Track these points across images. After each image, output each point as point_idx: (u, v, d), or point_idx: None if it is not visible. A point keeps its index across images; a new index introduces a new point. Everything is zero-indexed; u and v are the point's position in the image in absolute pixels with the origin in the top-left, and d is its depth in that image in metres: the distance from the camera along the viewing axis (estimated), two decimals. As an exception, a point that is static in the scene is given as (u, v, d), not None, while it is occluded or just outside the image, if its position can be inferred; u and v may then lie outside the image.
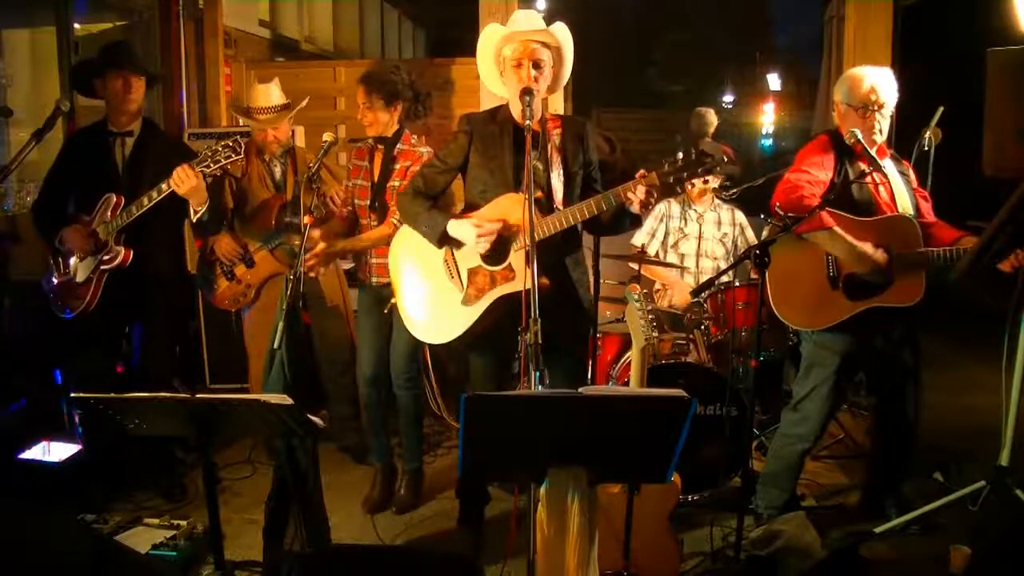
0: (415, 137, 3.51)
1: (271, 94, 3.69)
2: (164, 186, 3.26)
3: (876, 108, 3.05)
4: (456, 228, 2.79)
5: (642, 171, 2.60)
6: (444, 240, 2.82)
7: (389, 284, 3.29)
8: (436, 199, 2.95)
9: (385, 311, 3.38)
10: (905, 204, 3.11)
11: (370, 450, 3.71)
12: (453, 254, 2.88)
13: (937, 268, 2.98)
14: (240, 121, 5.12)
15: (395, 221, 3.29)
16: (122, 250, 3.42)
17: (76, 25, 4.96)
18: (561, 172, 2.83)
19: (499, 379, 3.01)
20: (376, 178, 3.47)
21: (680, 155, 2.55)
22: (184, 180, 3.20)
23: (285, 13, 7.54)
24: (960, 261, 2.92)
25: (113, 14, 5.51)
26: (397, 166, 3.41)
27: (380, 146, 3.48)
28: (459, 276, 2.87)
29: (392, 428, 3.69)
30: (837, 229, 2.97)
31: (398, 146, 3.45)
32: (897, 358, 3.21)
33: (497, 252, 2.80)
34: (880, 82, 3.06)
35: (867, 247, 2.96)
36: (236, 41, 5.73)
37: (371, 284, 3.49)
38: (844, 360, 3.11)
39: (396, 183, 3.38)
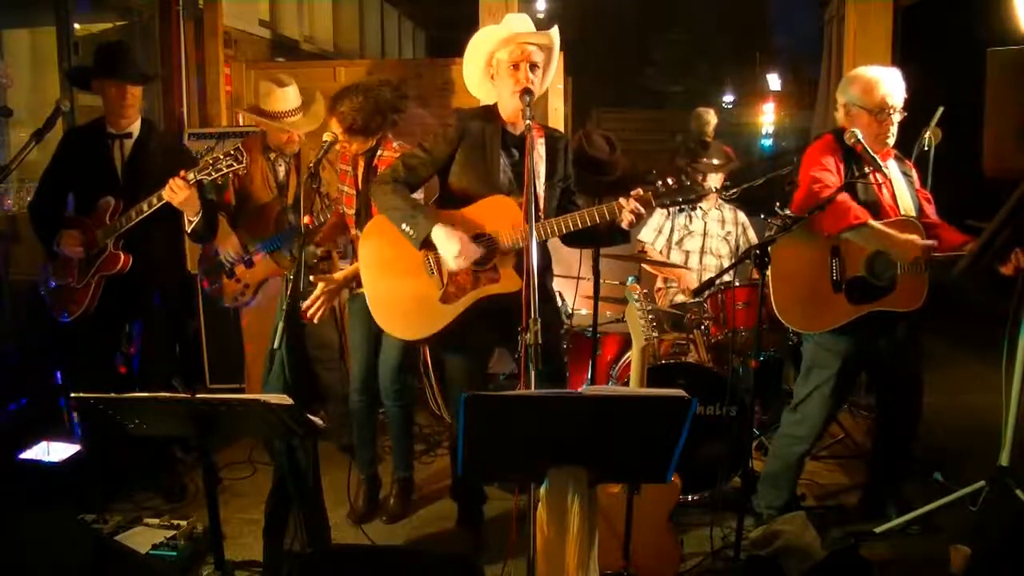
0: (397, 142, 3.33)
1: (289, 97, 3.66)
2: (162, 193, 3.22)
3: (892, 111, 3.01)
4: (439, 237, 2.70)
5: (638, 189, 2.66)
6: (426, 245, 2.75)
7: None
8: (415, 189, 2.89)
9: (347, 299, 3.31)
10: (907, 205, 3.10)
11: (355, 459, 3.61)
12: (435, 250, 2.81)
13: (939, 270, 2.97)
14: (241, 120, 5.14)
15: None
16: (121, 255, 3.40)
17: (76, 25, 4.95)
18: (543, 181, 2.86)
19: (478, 377, 3.01)
20: (360, 186, 3.35)
21: (671, 181, 2.61)
22: (178, 192, 3.18)
23: (285, 13, 7.53)
24: (960, 261, 2.91)
25: (113, 14, 5.50)
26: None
27: (361, 155, 3.34)
28: (439, 273, 2.83)
29: (382, 433, 3.68)
30: (873, 222, 2.92)
31: (379, 152, 3.30)
32: (899, 359, 3.20)
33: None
34: (893, 85, 3.03)
35: (912, 236, 2.91)
36: (236, 41, 5.72)
37: (362, 293, 3.42)
38: (845, 362, 3.10)
39: None
